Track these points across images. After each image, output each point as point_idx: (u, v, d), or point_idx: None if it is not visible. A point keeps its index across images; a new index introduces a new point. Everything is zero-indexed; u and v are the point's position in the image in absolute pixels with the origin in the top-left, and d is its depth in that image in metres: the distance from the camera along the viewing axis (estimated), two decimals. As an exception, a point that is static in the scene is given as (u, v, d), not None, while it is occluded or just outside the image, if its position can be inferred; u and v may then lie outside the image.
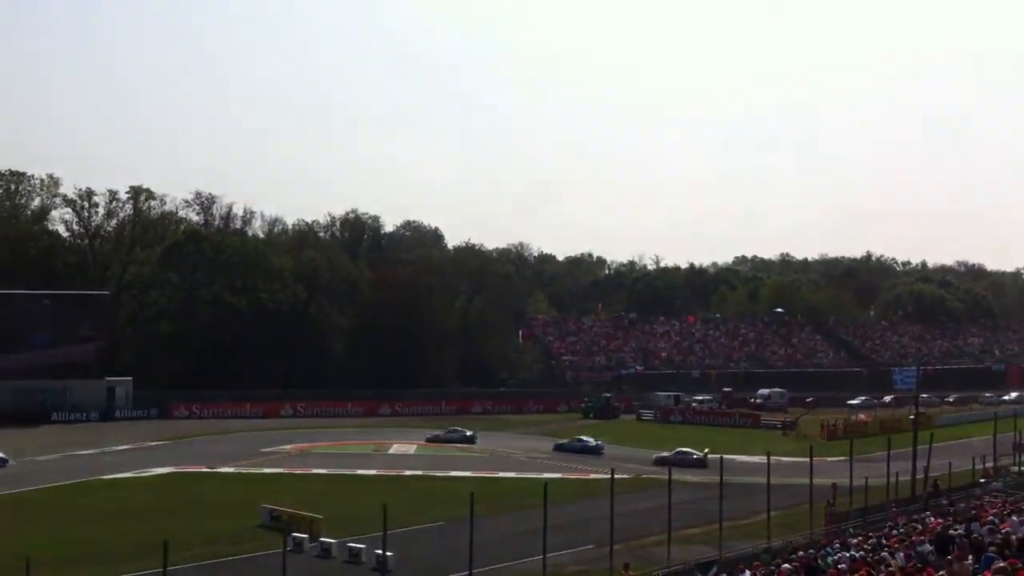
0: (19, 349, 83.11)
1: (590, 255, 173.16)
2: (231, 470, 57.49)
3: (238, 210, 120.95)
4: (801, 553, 25.87)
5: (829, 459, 53.84)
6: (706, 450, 62.13)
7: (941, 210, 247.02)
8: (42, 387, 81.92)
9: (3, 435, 69.29)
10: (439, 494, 48.78)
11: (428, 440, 71.38)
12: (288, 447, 67.73)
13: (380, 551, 28.15)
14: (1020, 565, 16.43)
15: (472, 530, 26.71)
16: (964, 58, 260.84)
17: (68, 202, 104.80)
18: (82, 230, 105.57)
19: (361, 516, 39.33)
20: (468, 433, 72.35)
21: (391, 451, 67.52)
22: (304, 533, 37.63)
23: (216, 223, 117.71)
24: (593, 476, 54.73)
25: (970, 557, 19.79)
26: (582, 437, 69.86)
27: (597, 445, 67.13)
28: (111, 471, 56.12)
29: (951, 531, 24.45)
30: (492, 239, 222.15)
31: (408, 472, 57.21)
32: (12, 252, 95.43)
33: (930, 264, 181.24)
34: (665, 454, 61.62)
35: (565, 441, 69.56)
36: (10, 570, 28.03)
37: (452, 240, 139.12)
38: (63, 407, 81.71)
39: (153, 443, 69.14)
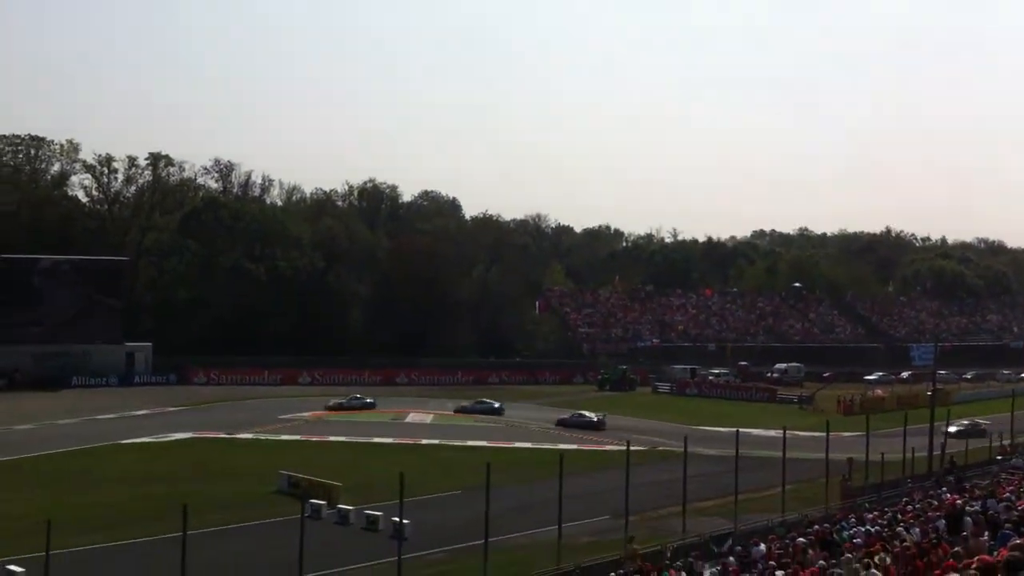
0: (39, 314, 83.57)
1: (607, 227, 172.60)
2: (249, 436, 57.89)
3: (256, 178, 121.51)
4: (816, 527, 25.99)
5: (845, 434, 53.88)
6: (603, 413, 67.14)
7: (962, 186, 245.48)
8: (62, 352, 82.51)
9: (24, 399, 70.10)
10: (455, 463, 49.06)
11: (329, 408, 71.00)
12: (306, 414, 68.09)
13: (397, 518, 28.35)
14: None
15: (488, 499, 26.87)
16: (980, 35, 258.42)
17: (88, 168, 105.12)
18: (101, 196, 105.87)
19: (378, 484, 39.63)
20: (368, 400, 72.95)
21: (408, 420, 67.82)
22: (322, 500, 37.89)
23: (235, 190, 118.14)
24: (609, 448, 54.89)
25: (986, 533, 19.83)
26: (484, 400, 73.58)
27: (499, 407, 71.32)
28: (130, 436, 56.57)
29: (968, 507, 24.48)
30: (510, 210, 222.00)
31: (425, 441, 57.48)
32: (32, 217, 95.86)
33: (950, 240, 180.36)
34: (565, 416, 67.16)
35: (467, 403, 72.58)
36: (31, 532, 28.36)
37: (470, 210, 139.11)
38: (83, 372, 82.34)
39: (172, 408, 69.64)
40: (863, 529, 23.98)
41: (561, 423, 65.95)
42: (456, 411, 70.89)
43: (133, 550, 32.83)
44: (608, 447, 55.38)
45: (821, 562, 20.00)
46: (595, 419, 65.47)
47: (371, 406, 72.02)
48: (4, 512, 37.22)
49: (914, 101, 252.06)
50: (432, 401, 77.61)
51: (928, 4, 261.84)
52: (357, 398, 73.40)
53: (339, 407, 71.13)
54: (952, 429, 56.99)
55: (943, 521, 23.10)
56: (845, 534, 23.98)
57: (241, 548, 33.56)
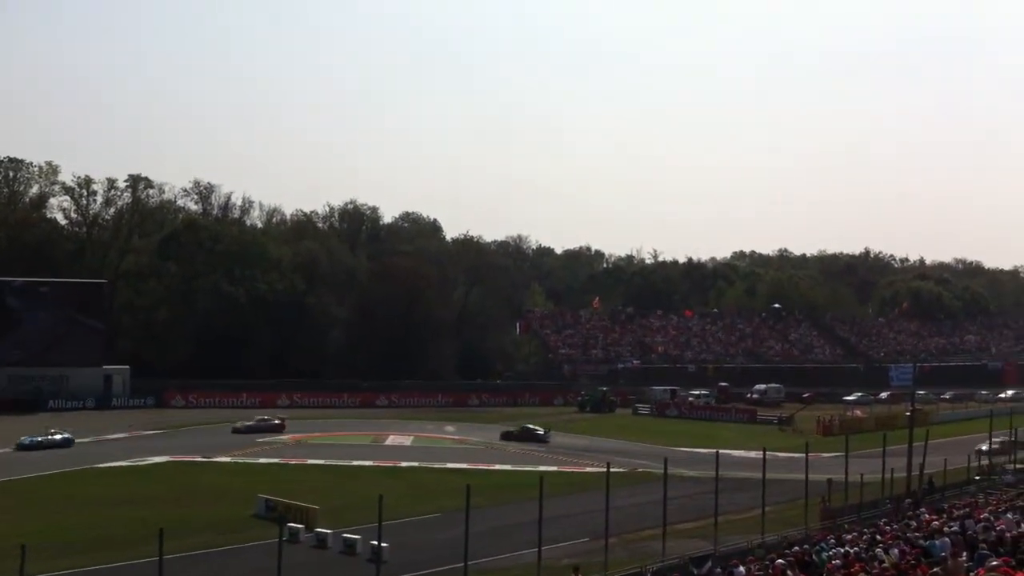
0: (16, 336, 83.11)
1: (588, 248, 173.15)
2: (227, 460, 57.47)
3: (236, 199, 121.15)
4: (796, 548, 25.91)
5: (824, 455, 54.02)
6: (284, 418, 72.52)
7: (940, 207, 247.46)
8: (39, 374, 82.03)
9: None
10: (435, 486, 48.89)
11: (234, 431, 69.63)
12: (284, 437, 67.76)
13: (375, 542, 28.17)
14: (1013, 563, 16.50)
15: (468, 522, 26.75)
16: (958, 56, 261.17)
17: (67, 190, 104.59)
18: (80, 218, 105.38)
19: (357, 507, 39.40)
20: (276, 422, 71.31)
21: (387, 442, 67.54)
22: (300, 523, 37.65)
23: (214, 212, 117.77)
24: (589, 469, 54.82)
25: (964, 554, 19.87)
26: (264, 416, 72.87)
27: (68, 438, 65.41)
28: (107, 459, 56.12)
29: (945, 528, 24.53)
30: (490, 231, 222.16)
31: (404, 464, 57.22)
32: (10, 239, 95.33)
33: (928, 261, 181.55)
34: (250, 423, 70.12)
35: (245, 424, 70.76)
36: (5, 557, 28.03)
37: (451, 232, 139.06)
38: (60, 395, 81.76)
39: (149, 432, 69.15)
40: (842, 550, 23.96)
41: (242, 430, 68.54)
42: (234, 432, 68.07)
43: (110, 574, 32.52)
44: (588, 469, 55.29)
45: (800, 583, 20.01)
46: (276, 423, 70.78)
47: (279, 428, 70.33)
48: (-22, 537, 36.83)
49: (893, 122, 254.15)
50: (412, 424, 77.34)
51: (907, 26, 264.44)
52: (264, 419, 72.07)
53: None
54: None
55: (922, 542, 23.14)
56: (824, 555, 23.94)
57: (218, 572, 33.32)
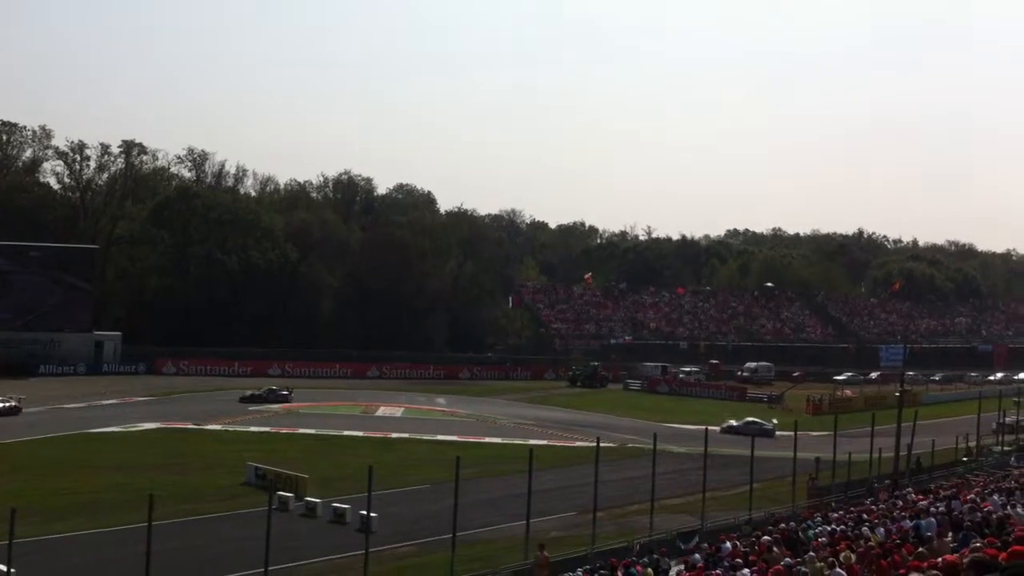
0: (7, 301, 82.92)
1: (582, 223, 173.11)
2: (218, 427, 57.57)
3: (230, 168, 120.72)
4: (782, 525, 26.08)
5: (813, 433, 54.30)
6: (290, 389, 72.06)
7: (934, 189, 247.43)
8: (30, 339, 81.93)
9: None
10: (424, 457, 49.01)
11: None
12: (275, 406, 67.83)
13: (365, 512, 28.26)
14: (999, 544, 16.58)
15: (457, 494, 26.85)
16: (955, 39, 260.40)
17: (60, 154, 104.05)
18: (73, 183, 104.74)
19: (347, 477, 39.54)
20: (440, 399, 70.98)
21: (378, 413, 67.64)
22: (289, 492, 37.72)
23: (208, 180, 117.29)
24: (579, 444, 54.99)
25: (949, 535, 19.99)
26: None
27: None
28: (98, 425, 56.11)
29: (932, 508, 24.66)
30: (485, 204, 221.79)
31: (395, 435, 57.32)
32: (2, 203, 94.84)
33: (921, 243, 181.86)
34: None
35: None
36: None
37: (445, 204, 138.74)
38: (51, 360, 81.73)
39: (140, 398, 69.17)
40: (829, 528, 24.10)
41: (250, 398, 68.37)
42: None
43: (98, 539, 32.57)
44: (578, 443, 55.43)
45: (787, 560, 20.09)
46: (285, 392, 70.68)
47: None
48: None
49: (888, 103, 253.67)
50: (403, 395, 77.45)
51: (902, 5, 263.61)
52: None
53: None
54: None
55: (908, 521, 23.27)
56: (811, 533, 24.09)
57: (207, 539, 33.35)
